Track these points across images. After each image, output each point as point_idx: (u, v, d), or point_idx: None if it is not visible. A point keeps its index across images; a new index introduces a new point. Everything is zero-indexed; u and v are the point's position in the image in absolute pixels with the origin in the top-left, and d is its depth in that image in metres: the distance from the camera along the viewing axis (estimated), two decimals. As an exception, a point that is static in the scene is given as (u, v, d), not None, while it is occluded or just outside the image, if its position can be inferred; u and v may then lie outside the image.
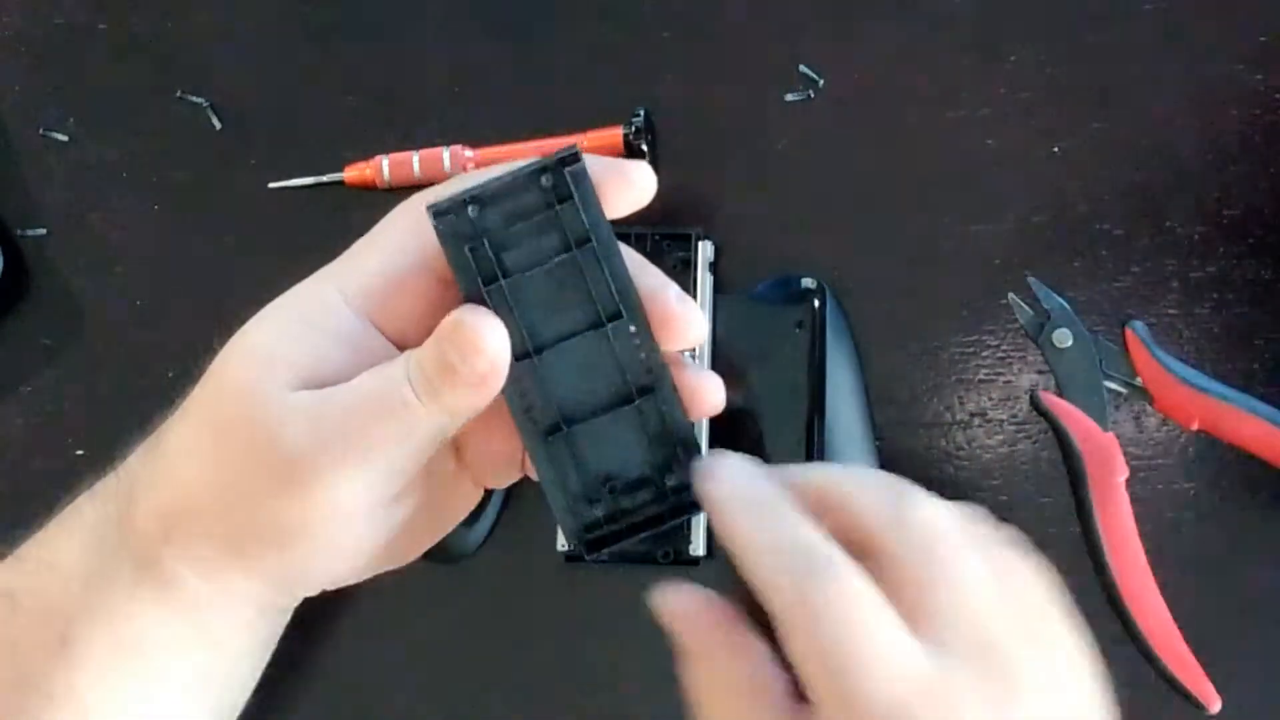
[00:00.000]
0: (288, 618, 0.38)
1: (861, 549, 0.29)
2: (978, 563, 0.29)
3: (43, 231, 0.55)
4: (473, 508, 0.37)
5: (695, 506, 0.32)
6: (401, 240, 0.33)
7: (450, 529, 0.37)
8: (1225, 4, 0.52)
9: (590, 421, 0.33)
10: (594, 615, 0.52)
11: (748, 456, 0.32)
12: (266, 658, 0.38)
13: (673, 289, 0.32)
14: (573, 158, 0.31)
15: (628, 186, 0.32)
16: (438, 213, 0.31)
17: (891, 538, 0.29)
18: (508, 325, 0.31)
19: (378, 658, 0.52)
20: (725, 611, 0.30)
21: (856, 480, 0.31)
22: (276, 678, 0.38)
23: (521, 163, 0.31)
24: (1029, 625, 0.29)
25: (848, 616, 0.27)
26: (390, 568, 0.35)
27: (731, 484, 0.31)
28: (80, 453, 0.54)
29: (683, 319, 0.32)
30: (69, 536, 0.35)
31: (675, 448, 0.32)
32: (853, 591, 0.28)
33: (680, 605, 0.31)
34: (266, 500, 0.32)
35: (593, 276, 0.31)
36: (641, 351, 0.32)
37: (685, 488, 0.33)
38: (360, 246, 0.34)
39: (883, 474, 0.32)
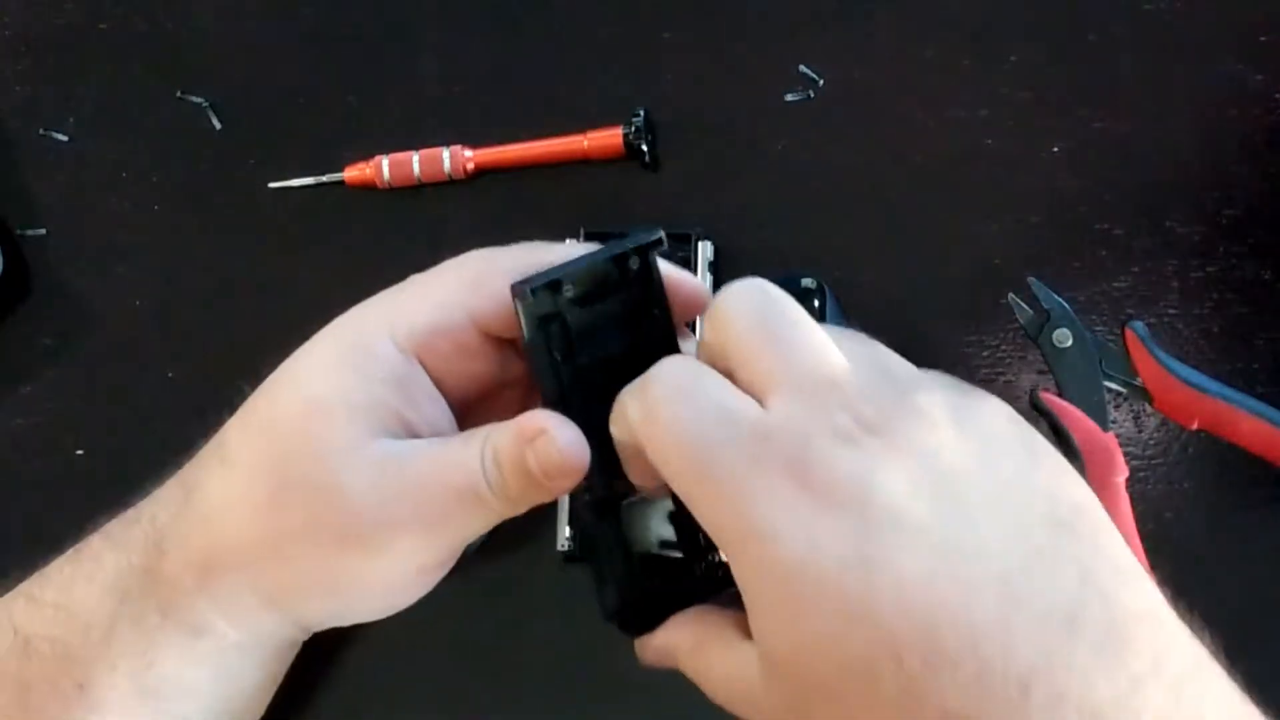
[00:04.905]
0: (299, 646, 0.38)
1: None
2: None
3: (43, 231, 0.55)
4: None
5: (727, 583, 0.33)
6: (453, 291, 0.33)
7: None
8: (1225, 4, 0.52)
9: (638, 503, 0.34)
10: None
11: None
12: (279, 682, 0.38)
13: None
14: (658, 242, 0.33)
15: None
16: (522, 295, 0.31)
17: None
18: (572, 410, 0.32)
19: (376, 658, 0.52)
20: None
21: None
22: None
23: (603, 247, 0.33)
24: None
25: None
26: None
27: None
28: (80, 453, 0.54)
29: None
30: (88, 582, 0.34)
31: None
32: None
33: None
34: (325, 557, 0.32)
35: (650, 351, 0.32)
36: None
37: (721, 566, 0.34)
38: (411, 290, 0.34)
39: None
